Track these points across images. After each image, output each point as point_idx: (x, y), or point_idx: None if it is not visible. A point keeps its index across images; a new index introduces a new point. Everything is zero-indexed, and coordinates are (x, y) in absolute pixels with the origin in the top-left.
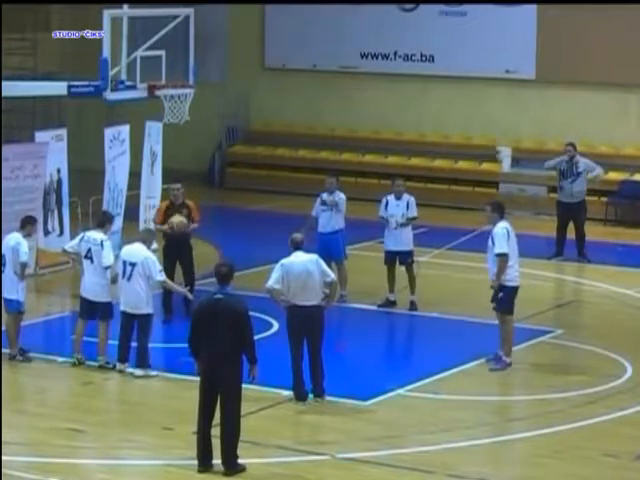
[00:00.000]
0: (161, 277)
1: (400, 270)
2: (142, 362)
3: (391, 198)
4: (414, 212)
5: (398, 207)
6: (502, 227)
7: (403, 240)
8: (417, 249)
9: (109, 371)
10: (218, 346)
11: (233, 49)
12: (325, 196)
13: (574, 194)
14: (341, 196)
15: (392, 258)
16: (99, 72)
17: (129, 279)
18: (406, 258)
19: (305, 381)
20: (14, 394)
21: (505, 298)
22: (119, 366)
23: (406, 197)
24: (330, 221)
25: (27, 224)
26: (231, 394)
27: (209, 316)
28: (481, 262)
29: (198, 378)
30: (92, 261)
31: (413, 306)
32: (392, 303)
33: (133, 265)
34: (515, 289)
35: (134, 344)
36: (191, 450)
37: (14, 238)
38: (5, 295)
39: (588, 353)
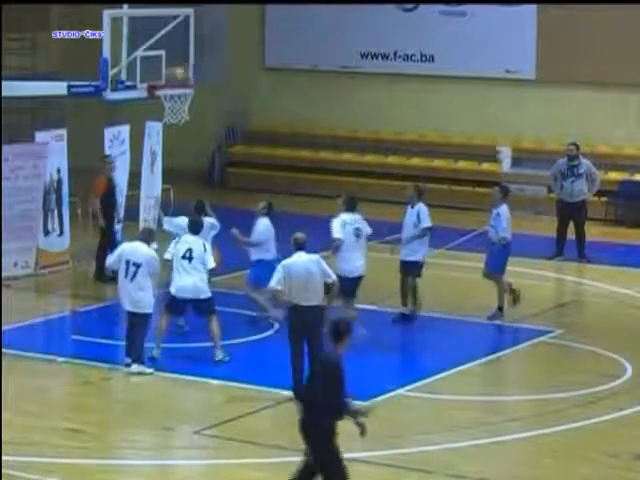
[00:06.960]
0: None
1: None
2: (138, 358)
3: (408, 207)
4: (426, 222)
5: (410, 216)
6: (504, 209)
7: (410, 250)
8: None
9: (109, 371)
10: None
11: (233, 49)
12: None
13: (574, 194)
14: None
15: (402, 268)
16: (99, 72)
17: (132, 279)
18: (413, 268)
19: None
20: (14, 394)
21: (498, 256)
22: (126, 360)
23: (417, 206)
24: None
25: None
26: None
27: None
28: (481, 262)
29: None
30: (190, 261)
31: (406, 317)
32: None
33: (138, 265)
34: (508, 247)
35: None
36: (191, 450)
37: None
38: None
39: (588, 353)
